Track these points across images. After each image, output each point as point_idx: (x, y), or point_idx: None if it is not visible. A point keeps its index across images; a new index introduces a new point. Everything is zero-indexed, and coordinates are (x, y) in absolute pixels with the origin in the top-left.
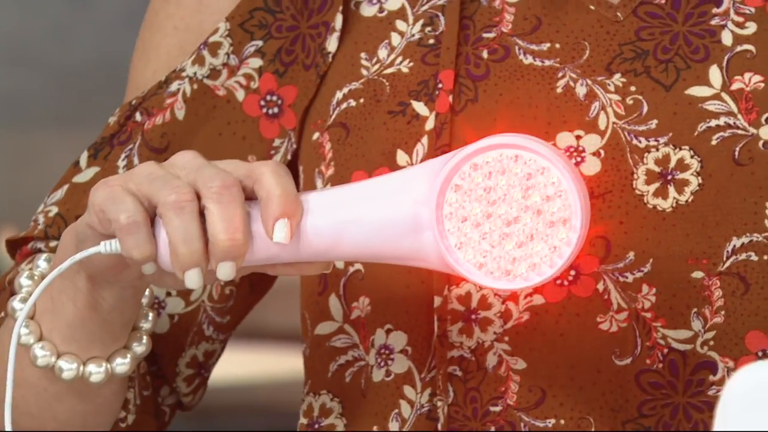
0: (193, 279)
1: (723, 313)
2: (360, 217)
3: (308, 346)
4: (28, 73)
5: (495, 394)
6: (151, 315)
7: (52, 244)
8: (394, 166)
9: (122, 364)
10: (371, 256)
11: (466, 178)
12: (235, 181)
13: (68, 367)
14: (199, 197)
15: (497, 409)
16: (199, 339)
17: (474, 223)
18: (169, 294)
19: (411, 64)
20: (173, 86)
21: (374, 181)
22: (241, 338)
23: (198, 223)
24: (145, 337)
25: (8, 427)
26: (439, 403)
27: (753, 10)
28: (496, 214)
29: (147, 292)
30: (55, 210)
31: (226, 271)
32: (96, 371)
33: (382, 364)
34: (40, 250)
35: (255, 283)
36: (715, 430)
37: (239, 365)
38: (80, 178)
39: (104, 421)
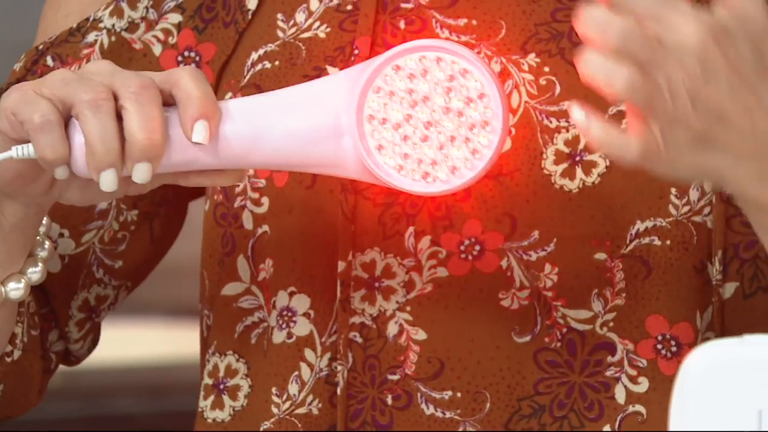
0: (108, 180)
1: (624, 295)
2: (279, 123)
3: (211, 307)
4: None
5: (394, 362)
6: (47, 243)
7: None
8: None
9: (16, 289)
10: (290, 164)
11: (387, 80)
12: (152, 83)
13: None
14: (116, 99)
15: (395, 377)
16: (90, 282)
17: (394, 125)
18: (61, 235)
19: (328, 29)
20: (90, 37)
21: (295, 89)
22: (129, 316)
23: (115, 123)
24: (40, 265)
25: None
26: (339, 368)
27: None
28: (417, 117)
29: (45, 221)
30: None
31: (142, 173)
32: None
33: (284, 326)
34: None
35: (156, 235)
36: (672, 411)
37: (127, 344)
38: None
39: None
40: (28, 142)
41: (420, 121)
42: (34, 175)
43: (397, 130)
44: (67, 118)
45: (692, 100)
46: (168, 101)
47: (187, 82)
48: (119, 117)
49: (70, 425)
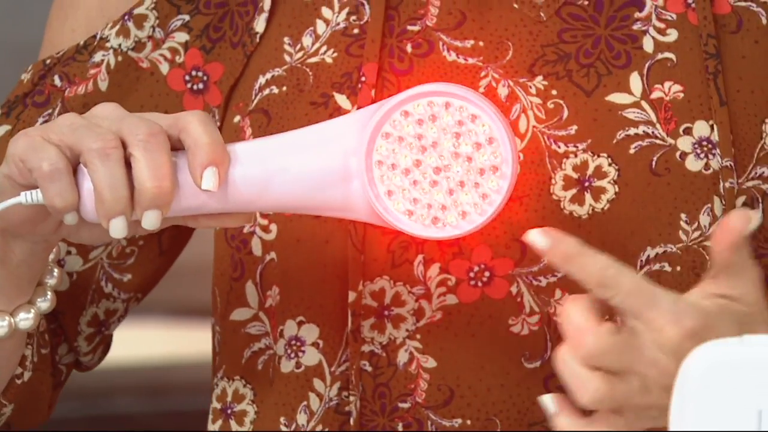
0: (117, 228)
1: None
2: (288, 166)
3: (221, 330)
4: None
5: (404, 391)
6: (56, 271)
7: None
8: None
9: (26, 319)
10: (299, 207)
11: (396, 125)
12: (161, 130)
13: None
14: (124, 146)
15: (406, 406)
16: (99, 297)
17: (404, 170)
18: (69, 252)
19: (335, 54)
20: (97, 57)
21: (304, 131)
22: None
23: (124, 171)
24: (49, 293)
25: None
26: (352, 398)
27: (674, 16)
28: (426, 162)
29: (54, 248)
30: None
31: (151, 220)
32: None
33: (293, 355)
34: None
35: (165, 247)
36: (672, 411)
37: (127, 344)
38: None
39: (1, 377)
40: (36, 187)
41: (429, 167)
42: (42, 218)
43: (407, 176)
44: (75, 165)
45: (667, 390)
46: (176, 146)
47: (195, 127)
48: (128, 163)
49: (70, 425)
